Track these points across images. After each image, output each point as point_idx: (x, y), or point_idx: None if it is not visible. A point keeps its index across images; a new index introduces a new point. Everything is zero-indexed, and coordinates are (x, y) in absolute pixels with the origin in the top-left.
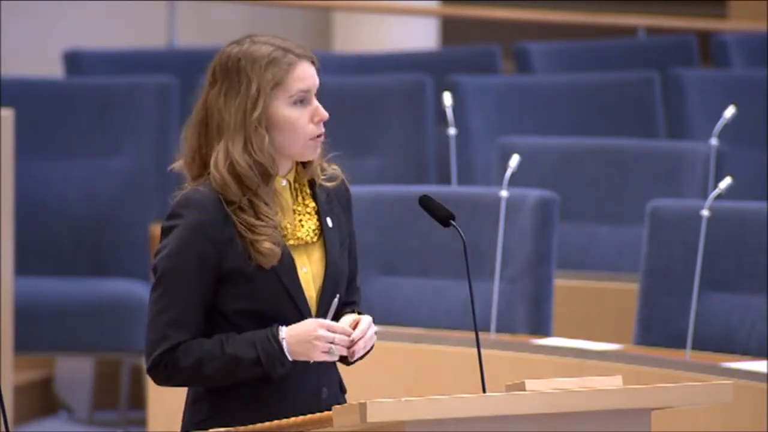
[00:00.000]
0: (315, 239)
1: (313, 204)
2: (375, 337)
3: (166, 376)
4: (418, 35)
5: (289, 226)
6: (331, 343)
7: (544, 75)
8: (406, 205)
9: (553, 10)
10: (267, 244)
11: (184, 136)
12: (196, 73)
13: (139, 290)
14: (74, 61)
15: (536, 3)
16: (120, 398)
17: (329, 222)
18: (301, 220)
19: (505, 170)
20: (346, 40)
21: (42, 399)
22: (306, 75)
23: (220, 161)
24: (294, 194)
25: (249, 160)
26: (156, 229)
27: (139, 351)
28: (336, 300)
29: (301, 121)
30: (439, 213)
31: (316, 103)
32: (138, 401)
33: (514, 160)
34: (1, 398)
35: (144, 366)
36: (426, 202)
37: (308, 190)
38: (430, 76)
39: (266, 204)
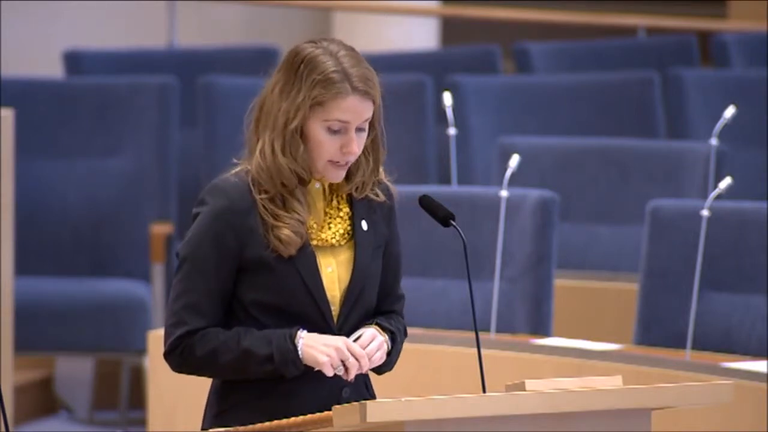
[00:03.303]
0: (343, 242)
1: (347, 209)
2: (381, 350)
3: (180, 361)
4: (418, 35)
5: (315, 225)
6: (343, 362)
7: (544, 75)
8: (405, 205)
9: (553, 10)
10: (286, 231)
11: (247, 115)
12: (196, 73)
13: (139, 290)
14: (74, 61)
15: (536, 3)
16: (120, 398)
17: (364, 225)
18: (330, 224)
19: (505, 170)
20: (346, 40)
21: (42, 399)
22: (350, 109)
23: (266, 151)
24: (328, 198)
25: (287, 162)
26: (156, 229)
27: (139, 351)
28: (364, 329)
29: (327, 146)
30: (439, 213)
31: (353, 135)
32: (138, 401)
33: (514, 160)
34: (1, 398)
35: (144, 364)
36: (426, 202)
37: (345, 196)
38: (430, 76)
39: (299, 202)
